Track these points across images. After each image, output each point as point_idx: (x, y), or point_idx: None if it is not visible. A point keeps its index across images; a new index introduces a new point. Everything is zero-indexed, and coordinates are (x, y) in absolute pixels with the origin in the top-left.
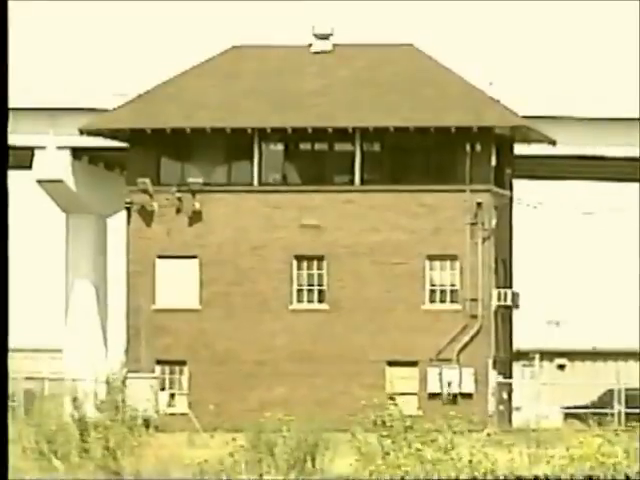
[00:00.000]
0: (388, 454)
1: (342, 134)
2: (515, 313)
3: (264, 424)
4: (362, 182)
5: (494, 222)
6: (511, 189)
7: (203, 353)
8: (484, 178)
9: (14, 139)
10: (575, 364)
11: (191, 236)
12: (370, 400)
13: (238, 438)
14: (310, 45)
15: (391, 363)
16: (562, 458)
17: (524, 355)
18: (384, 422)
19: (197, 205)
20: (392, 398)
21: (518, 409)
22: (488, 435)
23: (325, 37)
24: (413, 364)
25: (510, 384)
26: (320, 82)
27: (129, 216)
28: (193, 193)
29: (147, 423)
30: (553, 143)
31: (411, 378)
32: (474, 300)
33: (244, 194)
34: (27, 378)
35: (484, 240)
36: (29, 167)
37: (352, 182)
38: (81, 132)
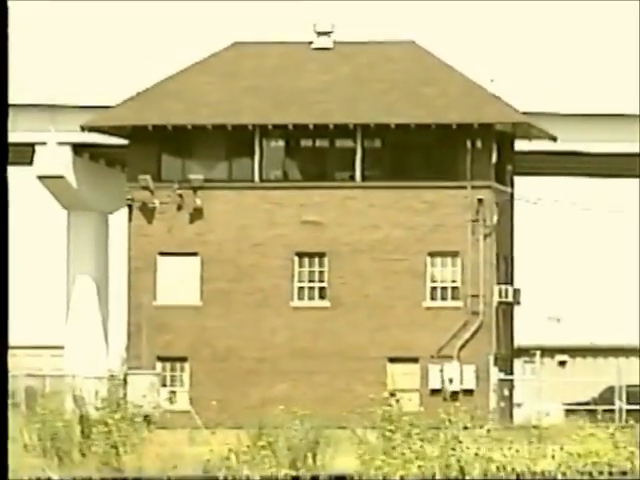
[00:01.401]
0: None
1: (343, 131)
2: (516, 309)
3: (267, 420)
4: (363, 179)
5: (495, 218)
6: (512, 186)
7: (204, 350)
8: (485, 175)
9: (15, 136)
10: (576, 361)
11: (192, 233)
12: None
13: (241, 435)
14: (311, 42)
15: (392, 360)
16: (559, 453)
17: (525, 352)
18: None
19: (198, 202)
20: (393, 395)
21: (519, 405)
22: (488, 431)
23: (326, 34)
24: (414, 361)
25: (511, 381)
26: (321, 79)
27: (130, 213)
28: (194, 190)
29: (148, 420)
30: (554, 139)
31: (412, 375)
32: (475, 297)
33: (245, 191)
34: (28, 375)
35: (485, 237)
36: (30, 163)
37: (353, 179)
38: (82, 129)
